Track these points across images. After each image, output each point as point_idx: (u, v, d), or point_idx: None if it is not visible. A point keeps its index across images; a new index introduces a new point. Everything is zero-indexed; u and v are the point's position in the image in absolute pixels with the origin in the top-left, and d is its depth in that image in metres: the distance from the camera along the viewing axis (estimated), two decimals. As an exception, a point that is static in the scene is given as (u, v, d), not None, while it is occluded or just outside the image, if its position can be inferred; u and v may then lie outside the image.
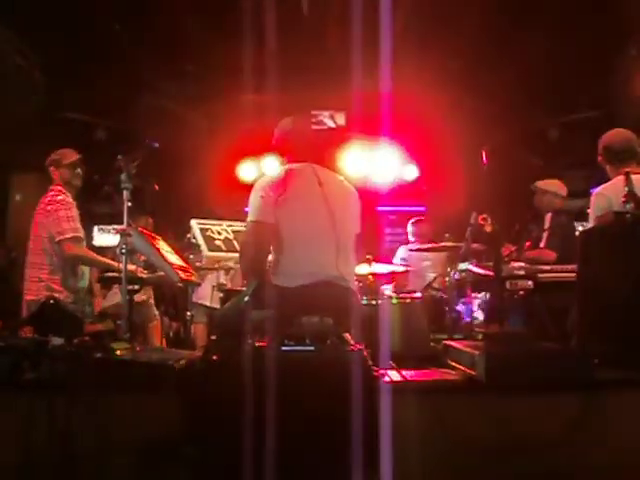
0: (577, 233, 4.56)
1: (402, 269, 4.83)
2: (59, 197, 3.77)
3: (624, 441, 2.58)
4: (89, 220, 3.96)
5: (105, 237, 7.52)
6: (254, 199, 2.81)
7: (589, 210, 3.43)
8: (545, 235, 4.47)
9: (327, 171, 2.99)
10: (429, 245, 5.01)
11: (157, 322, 4.96)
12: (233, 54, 5.62)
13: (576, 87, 5.92)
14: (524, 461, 2.51)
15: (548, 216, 4.59)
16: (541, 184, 4.75)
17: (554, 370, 2.61)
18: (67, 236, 3.66)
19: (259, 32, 5.07)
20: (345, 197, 2.95)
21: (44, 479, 2.51)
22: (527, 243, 4.56)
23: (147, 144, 3.99)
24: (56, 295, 3.63)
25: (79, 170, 3.92)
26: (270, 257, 2.94)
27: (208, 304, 4.79)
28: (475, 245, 4.42)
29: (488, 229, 4.32)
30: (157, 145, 4.04)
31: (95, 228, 7.58)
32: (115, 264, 3.51)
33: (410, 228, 5.99)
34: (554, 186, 4.72)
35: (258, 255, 2.85)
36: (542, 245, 4.45)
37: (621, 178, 3.19)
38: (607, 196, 3.30)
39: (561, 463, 2.54)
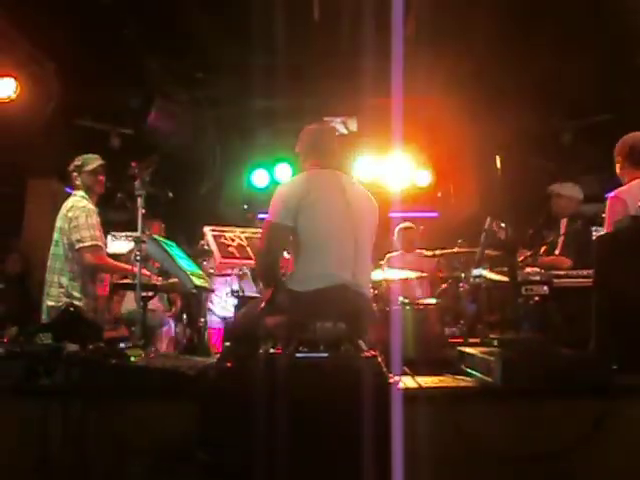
0: (593, 238, 4.55)
1: (415, 275, 4.79)
2: (81, 204, 3.76)
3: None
4: (102, 227, 3.96)
5: (118, 244, 7.55)
6: (276, 201, 2.81)
7: (604, 215, 3.39)
8: (561, 241, 4.42)
9: (350, 178, 3.01)
10: (443, 251, 4.96)
11: (168, 328, 4.98)
12: (245, 61, 5.65)
13: (590, 91, 5.87)
14: (541, 467, 2.49)
15: (564, 221, 4.53)
16: (556, 188, 4.70)
17: (571, 376, 2.59)
18: (86, 244, 3.65)
19: (271, 38, 5.08)
20: (366, 205, 2.95)
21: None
22: (542, 249, 4.51)
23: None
24: (76, 302, 3.63)
25: (101, 177, 3.92)
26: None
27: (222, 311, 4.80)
28: (489, 251, 4.38)
29: (502, 235, 4.28)
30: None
31: (109, 236, 7.61)
32: (135, 270, 3.51)
33: (396, 235, 5.74)
34: (570, 189, 4.67)
35: (272, 256, 2.85)
36: (558, 251, 4.40)
37: (637, 182, 3.15)
38: (623, 200, 3.26)
39: (578, 468, 2.52)
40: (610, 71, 5.43)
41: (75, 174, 3.88)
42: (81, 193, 3.84)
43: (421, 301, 4.16)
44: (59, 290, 3.66)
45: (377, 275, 4.15)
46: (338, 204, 2.81)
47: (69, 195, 3.92)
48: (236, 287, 4.33)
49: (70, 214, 3.71)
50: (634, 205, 3.10)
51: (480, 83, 6.26)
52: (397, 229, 5.77)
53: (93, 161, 3.89)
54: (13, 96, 5.33)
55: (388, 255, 5.55)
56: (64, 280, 3.67)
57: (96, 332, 3.67)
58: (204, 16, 5.35)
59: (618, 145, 3.53)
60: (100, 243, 3.74)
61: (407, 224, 5.80)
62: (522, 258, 4.34)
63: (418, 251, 5.43)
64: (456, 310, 4.58)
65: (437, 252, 4.90)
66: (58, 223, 3.77)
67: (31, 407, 2.62)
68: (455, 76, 6.17)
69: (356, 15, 4.95)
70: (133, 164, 3.55)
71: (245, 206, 5.05)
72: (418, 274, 4.74)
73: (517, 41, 5.48)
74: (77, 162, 3.89)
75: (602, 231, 3.45)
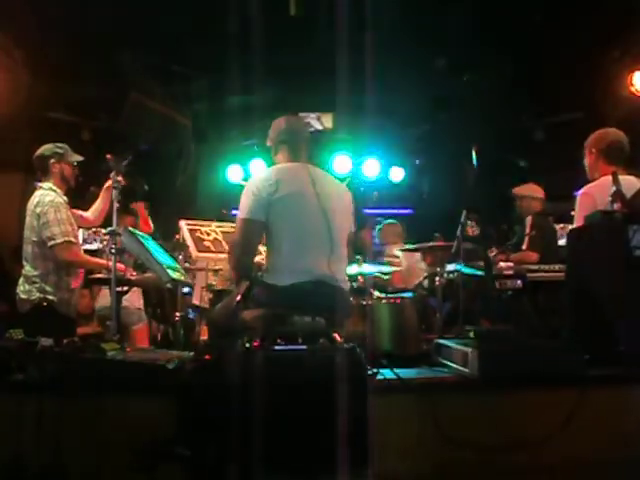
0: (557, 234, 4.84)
1: (391, 269, 4.83)
2: (48, 198, 3.64)
3: (613, 435, 2.61)
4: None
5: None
6: (246, 197, 2.80)
7: (573, 212, 3.44)
8: (527, 238, 4.60)
9: (320, 170, 3.00)
10: (418, 245, 5.00)
11: (144, 325, 4.92)
12: (220, 55, 5.61)
13: (561, 88, 5.98)
14: (518, 457, 2.53)
15: (528, 219, 4.75)
16: (518, 190, 4.95)
17: (547, 366, 2.64)
18: (58, 241, 3.56)
19: (246, 33, 5.05)
20: (338, 196, 2.96)
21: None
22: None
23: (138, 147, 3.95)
24: (49, 297, 3.56)
25: (77, 171, 3.87)
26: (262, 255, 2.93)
27: (198, 304, 4.75)
28: (465, 244, 4.44)
29: (475, 232, 4.37)
30: (146, 147, 4.00)
31: (80, 230, 7.47)
32: (109, 265, 3.44)
33: (377, 232, 5.85)
34: (530, 190, 4.92)
35: (246, 253, 2.83)
36: (524, 247, 4.57)
37: (607, 178, 3.20)
38: (594, 195, 3.32)
39: (552, 457, 2.56)
40: (581, 68, 5.52)
41: (53, 161, 3.74)
42: (48, 185, 3.71)
43: (397, 295, 4.18)
44: (32, 285, 3.58)
45: (353, 269, 4.16)
46: (308, 197, 2.80)
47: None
48: (212, 281, 4.31)
49: (38, 210, 3.60)
50: (603, 201, 3.16)
51: (452, 79, 6.33)
52: (377, 228, 5.91)
53: (72, 153, 3.82)
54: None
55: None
56: (36, 276, 3.59)
57: (69, 327, 3.61)
58: (179, 11, 5.30)
59: (592, 139, 3.56)
60: (72, 238, 3.65)
61: (388, 221, 5.95)
62: (494, 253, 4.45)
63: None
64: (432, 303, 4.63)
65: (414, 247, 4.94)
66: (27, 219, 3.67)
67: (4, 403, 2.57)
68: (428, 71, 6.22)
69: (332, 11, 4.95)
70: (108, 156, 3.49)
71: (224, 211, 5.00)
72: (395, 268, 4.79)
73: (490, 38, 5.55)
74: (57, 150, 3.76)
75: (575, 225, 3.50)
